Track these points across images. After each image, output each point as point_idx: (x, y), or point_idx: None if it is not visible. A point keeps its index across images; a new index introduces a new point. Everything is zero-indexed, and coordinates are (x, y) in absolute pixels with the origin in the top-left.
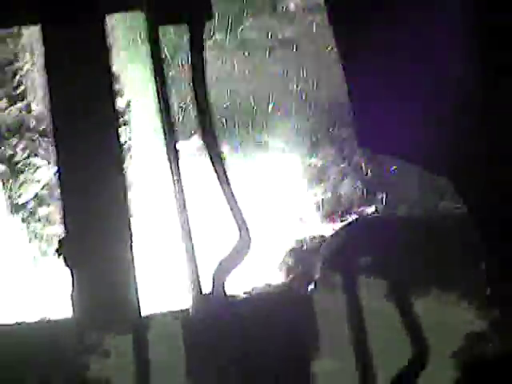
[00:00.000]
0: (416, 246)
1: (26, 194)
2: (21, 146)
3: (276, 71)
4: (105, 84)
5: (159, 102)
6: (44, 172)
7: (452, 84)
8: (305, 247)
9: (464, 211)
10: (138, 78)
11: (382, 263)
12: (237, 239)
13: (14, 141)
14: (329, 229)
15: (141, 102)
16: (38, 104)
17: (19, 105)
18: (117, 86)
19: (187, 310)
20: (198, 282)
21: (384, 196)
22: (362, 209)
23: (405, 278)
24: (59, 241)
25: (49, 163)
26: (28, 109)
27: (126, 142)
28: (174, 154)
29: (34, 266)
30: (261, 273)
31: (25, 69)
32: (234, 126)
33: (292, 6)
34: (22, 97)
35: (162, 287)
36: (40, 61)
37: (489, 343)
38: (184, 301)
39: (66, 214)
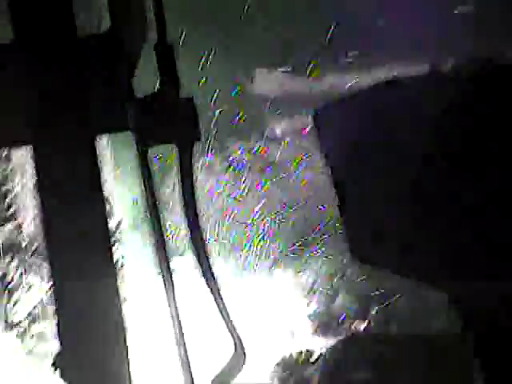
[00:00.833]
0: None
1: (20, 312)
2: (13, 264)
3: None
4: (97, 205)
5: (150, 220)
6: (37, 290)
7: None
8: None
9: (457, 331)
10: (128, 197)
11: (377, 380)
12: (231, 352)
13: (6, 260)
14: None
15: (132, 221)
16: (30, 224)
17: (10, 225)
18: (108, 206)
19: None
20: None
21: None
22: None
23: None
24: (55, 355)
25: (42, 280)
26: (19, 229)
27: (118, 260)
28: (166, 270)
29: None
30: None
31: (15, 190)
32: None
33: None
34: (14, 217)
35: None
36: (30, 182)
37: None
38: None
39: (60, 329)
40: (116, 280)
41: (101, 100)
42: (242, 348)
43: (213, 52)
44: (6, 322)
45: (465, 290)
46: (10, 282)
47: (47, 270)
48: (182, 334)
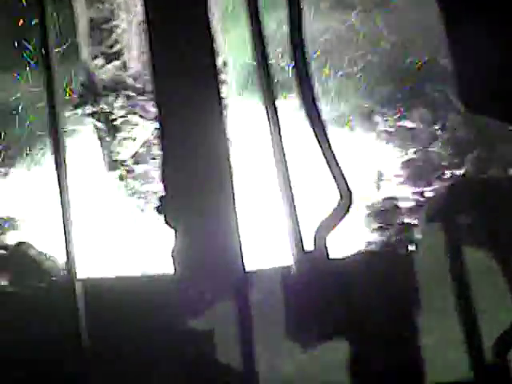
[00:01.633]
0: None
1: (124, 151)
2: (118, 104)
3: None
4: (204, 43)
5: (257, 61)
6: (141, 130)
7: None
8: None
9: None
10: (235, 36)
11: (485, 223)
12: (338, 198)
13: (110, 98)
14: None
15: (238, 60)
16: (134, 62)
17: (115, 63)
18: (214, 45)
19: (289, 266)
20: (301, 239)
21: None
22: (451, 171)
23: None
24: (160, 198)
25: (146, 120)
26: (124, 67)
27: (223, 100)
28: (272, 112)
29: (132, 221)
30: (356, 232)
31: (121, 27)
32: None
33: None
34: (118, 55)
35: (262, 244)
36: (136, 20)
37: None
38: (285, 258)
39: (165, 172)
40: (223, 122)
41: None
42: (349, 193)
43: None
44: (110, 161)
45: None
46: (114, 120)
47: (153, 110)
48: (288, 176)
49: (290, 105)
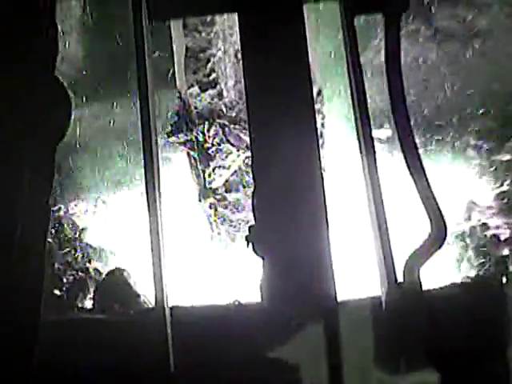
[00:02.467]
0: None
1: (217, 180)
2: (211, 132)
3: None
4: (301, 73)
5: (351, 91)
6: (234, 158)
7: None
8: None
9: None
10: (329, 65)
11: None
12: (431, 229)
13: (205, 126)
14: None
15: (332, 89)
16: (229, 91)
17: (210, 92)
18: (311, 75)
19: (380, 297)
20: (393, 270)
21: None
22: None
23: None
24: (249, 227)
25: (238, 150)
26: (219, 96)
27: (317, 130)
28: (368, 143)
29: (223, 250)
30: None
31: (217, 56)
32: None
33: None
34: (214, 84)
35: (352, 274)
36: (232, 48)
37: None
38: (374, 289)
39: (256, 200)
40: (317, 152)
41: None
42: (444, 223)
43: None
44: (203, 189)
45: None
46: (208, 149)
47: (246, 139)
48: (382, 206)
49: (383, 134)
